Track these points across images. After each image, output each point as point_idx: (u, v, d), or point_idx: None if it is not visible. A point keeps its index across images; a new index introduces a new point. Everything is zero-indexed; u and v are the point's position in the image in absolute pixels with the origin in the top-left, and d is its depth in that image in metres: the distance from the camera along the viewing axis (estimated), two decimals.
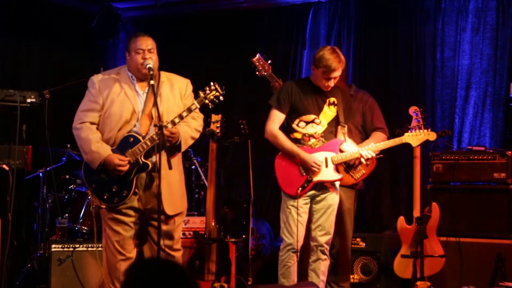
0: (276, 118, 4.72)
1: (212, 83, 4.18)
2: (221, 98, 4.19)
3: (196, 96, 4.19)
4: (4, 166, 4.77)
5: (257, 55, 5.22)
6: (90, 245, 5.26)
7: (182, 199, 4.34)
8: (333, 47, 4.73)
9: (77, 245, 5.24)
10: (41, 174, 6.01)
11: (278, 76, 5.32)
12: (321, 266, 4.72)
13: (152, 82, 4.04)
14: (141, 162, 4.09)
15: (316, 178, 4.66)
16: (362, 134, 5.32)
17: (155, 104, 3.97)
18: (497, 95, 6.12)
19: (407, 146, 5.11)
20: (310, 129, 4.71)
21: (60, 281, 5.13)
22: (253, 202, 5.48)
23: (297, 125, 4.72)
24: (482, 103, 6.16)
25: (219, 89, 4.17)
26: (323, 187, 4.73)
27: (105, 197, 4.11)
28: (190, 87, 4.35)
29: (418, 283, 4.86)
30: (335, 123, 4.77)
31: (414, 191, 5.02)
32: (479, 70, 6.20)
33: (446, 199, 5.35)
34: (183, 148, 4.21)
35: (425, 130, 4.84)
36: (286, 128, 4.76)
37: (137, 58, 4.13)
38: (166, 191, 4.09)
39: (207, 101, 4.15)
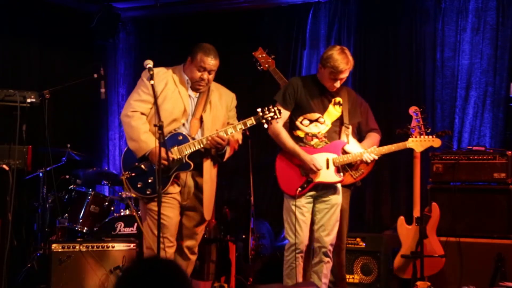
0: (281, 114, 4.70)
1: (271, 105, 4.29)
2: (275, 121, 4.32)
3: (254, 113, 4.28)
4: (4, 166, 4.75)
5: (259, 49, 5.27)
6: (90, 245, 5.25)
7: (212, 208, 4.48)
8: (343, 47, 4.64)
9: (77, 245, 5.23)
10: (41, 174, 6.01)
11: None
12: (324, 269, 4.70)
13: (152, 82, 4.07)
14: (184, 161, 4.16)
15: (316, 180, 4.63)
16: (357, 136, 5.33)
17: (155, 104, 4.00)
18: (497, 95, 6.11)
19: None
20: (314, 128, 4.67)
21: (60, 281, 5.13)
22: (253, 202, 5.47)
23: (301, 122, 4.68)
24: (482, 103, 6.15)
25: (277, 113, 4.29)
26: (325, 187, 4.70)
27: (139, 186, 4.17)
28: (235, 102, 4.51)
29: (418, 283, 4.86)
30: (339, 123, 4.74)
31: (414, 191, 5.02)
32: (479, 70, 6.19)
33: (446, 199, 5.35)
34: (226, 157, 4.33)
35: (430, 137, 4.84)
36: (289, 124, 4.72)
37: (196, 73, 4.23)
38: (207, 196, 4.26)
39: (263, 121, 4.26)
